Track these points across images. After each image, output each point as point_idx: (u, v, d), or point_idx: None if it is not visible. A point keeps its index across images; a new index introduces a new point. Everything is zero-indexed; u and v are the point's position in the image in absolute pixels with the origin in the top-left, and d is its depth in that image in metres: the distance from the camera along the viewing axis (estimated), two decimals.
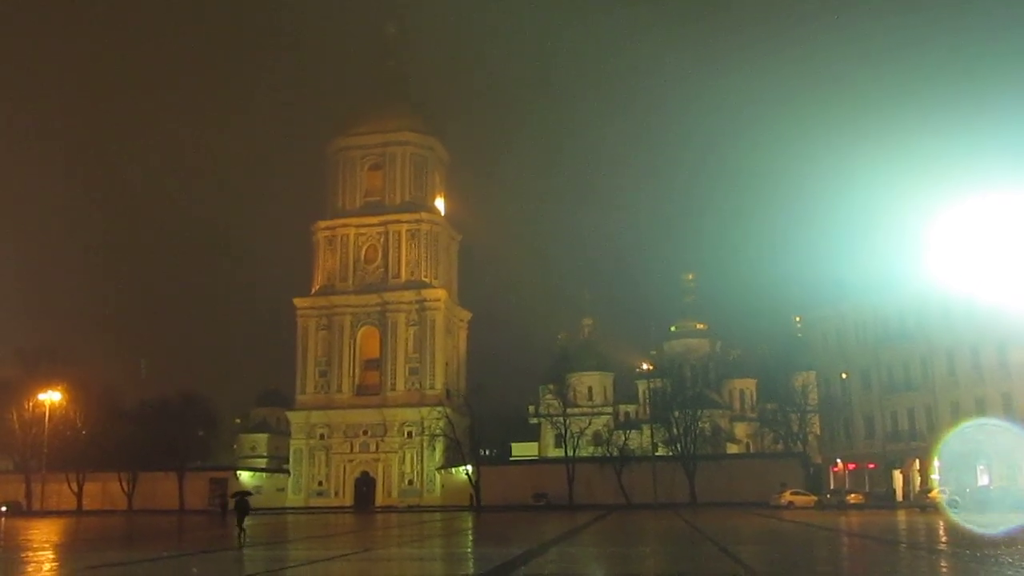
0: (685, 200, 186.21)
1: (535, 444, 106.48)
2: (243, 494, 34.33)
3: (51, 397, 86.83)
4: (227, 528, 36.73)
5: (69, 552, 28.86)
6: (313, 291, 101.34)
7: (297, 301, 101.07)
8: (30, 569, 21.66)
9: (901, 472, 72.23)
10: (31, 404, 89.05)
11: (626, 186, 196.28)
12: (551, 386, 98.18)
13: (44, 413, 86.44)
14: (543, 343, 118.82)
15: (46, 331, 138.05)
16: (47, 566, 22.73)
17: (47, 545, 32.66)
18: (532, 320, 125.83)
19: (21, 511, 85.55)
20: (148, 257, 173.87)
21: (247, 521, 31.07)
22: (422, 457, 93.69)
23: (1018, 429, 57.64)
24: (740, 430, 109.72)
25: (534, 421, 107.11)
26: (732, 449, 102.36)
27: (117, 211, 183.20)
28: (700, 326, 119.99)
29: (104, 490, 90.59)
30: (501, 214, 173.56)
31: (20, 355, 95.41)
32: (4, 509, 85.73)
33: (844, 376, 79.31)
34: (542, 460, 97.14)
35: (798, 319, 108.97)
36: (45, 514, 78.58)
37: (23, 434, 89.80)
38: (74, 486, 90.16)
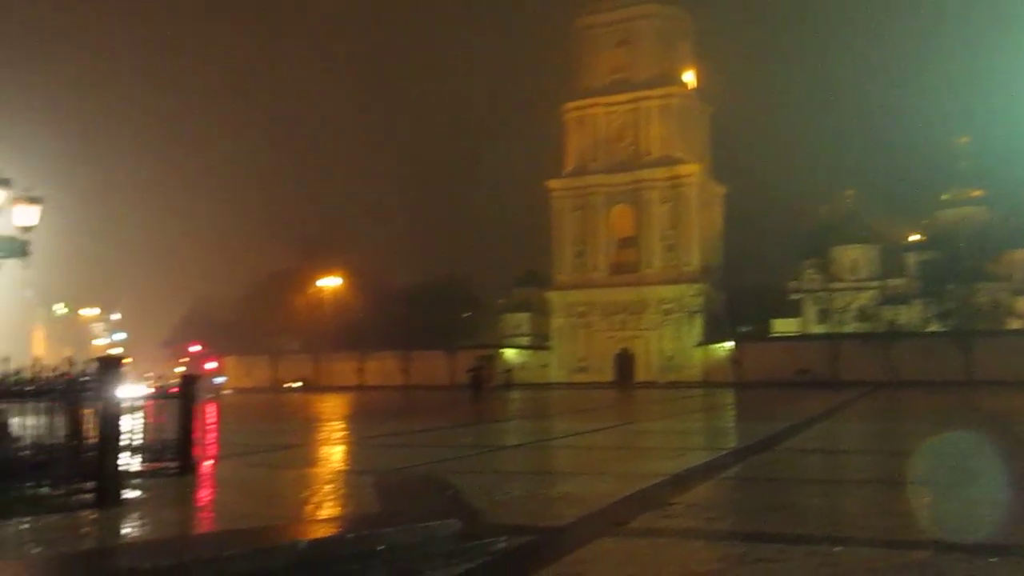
0: (958, 58, 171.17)
1: (796, 320, 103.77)
2: (477, 368, 38.34)
3: (330, 283, 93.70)
4: (484, 402, 38.64)
5: (355, 422, 31.40)
6: (565, 172, 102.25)
7: (550, 183, 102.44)
8: (322, 436, 23.80)
9: None
10: (313, 290, 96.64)
11: (892, 47, 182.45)
12: (812, 260, 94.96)
13: (325, 298, 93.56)
14: (803, 215, 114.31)
15: (324, 220, 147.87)
16: (337, 434, 24.89)
17: (336, 416, 35.72)
18: (790, 192, 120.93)
19: (312, 387, 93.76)
20: (411, 145, 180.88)
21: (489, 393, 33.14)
22: (680, 334, 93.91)
23: None
24: (1023, 304, 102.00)
25: (795, 297, 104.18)
26: (1013, 325, 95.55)
27: (383, 100, 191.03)
28: (976, 193, 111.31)
29: (382, 367, 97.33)
30: (755, 82, 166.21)
31: (302, 244, 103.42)
32: (299, 385, 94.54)
33: None
34: (804, 336, 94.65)
35: None
36: (332, 389, 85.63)
37: (308, 317, 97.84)
38: (356, 364, 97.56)
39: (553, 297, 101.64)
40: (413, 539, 7.40)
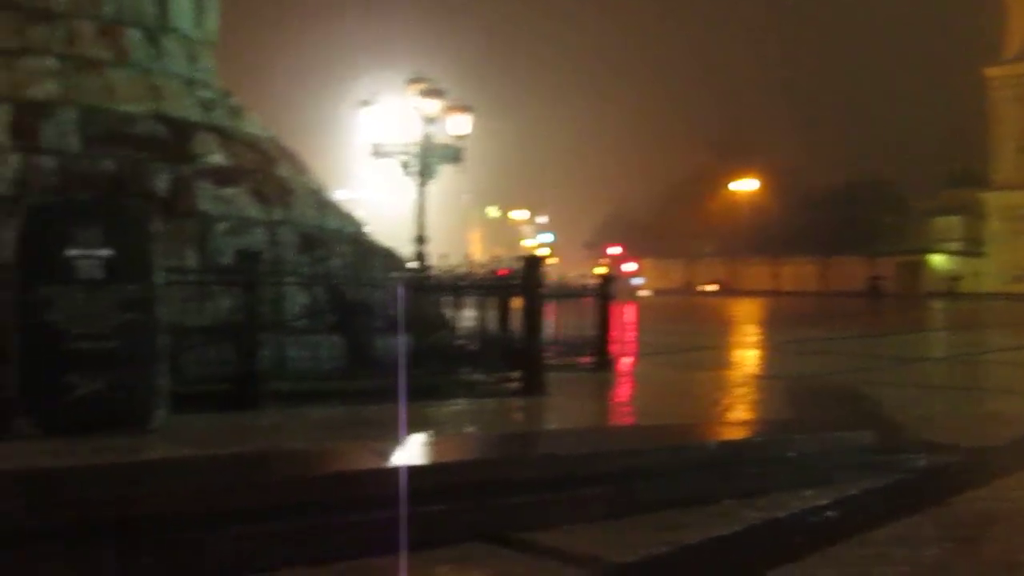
0: None
1: None
2: (876, 278, 38.52)
3: (745, 185, 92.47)
4: (879, 313, 36.49)
5: (767, 327, 31.13)
6: (1005, 58, 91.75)
7: (988, 71, 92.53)
8: (734, 340, 23.89)
9: None
10: (728, 192, 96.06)
11: None
12: None
13: (740, 201, 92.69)
14: None
15: (737, 120, 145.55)
16: (749, 338, 24.83)
17: (749, 320, 35.63)
18: None
19: (726, 290, 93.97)
20: (829, 36, 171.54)
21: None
22: None
23: None
24: None
25: None
26: None
27: None
28: None
29: (798, 272, 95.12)
30: None
31: (714, 145, 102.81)
32: (714, 288, 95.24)
33: None
34: None
35: None
36: (746, 293, 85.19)
37: (724, 220, 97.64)
38: (770, 268, 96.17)
39: (989, 198, 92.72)
40: (824, 448, 7.24)
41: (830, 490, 6.32)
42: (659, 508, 5.86)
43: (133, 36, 11.14)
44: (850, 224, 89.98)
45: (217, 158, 10.66)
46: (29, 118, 9.69)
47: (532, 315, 9.54)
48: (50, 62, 10.41)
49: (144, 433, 6.43)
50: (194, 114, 11.12)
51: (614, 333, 12.98)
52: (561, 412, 8.60)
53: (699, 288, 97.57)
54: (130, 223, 6.76)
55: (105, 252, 6.49)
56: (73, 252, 6.41)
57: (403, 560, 4.69)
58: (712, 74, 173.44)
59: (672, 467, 6.30)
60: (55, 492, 4.86)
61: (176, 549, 4.50)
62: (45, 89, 10.13)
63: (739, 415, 8.87)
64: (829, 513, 5.86)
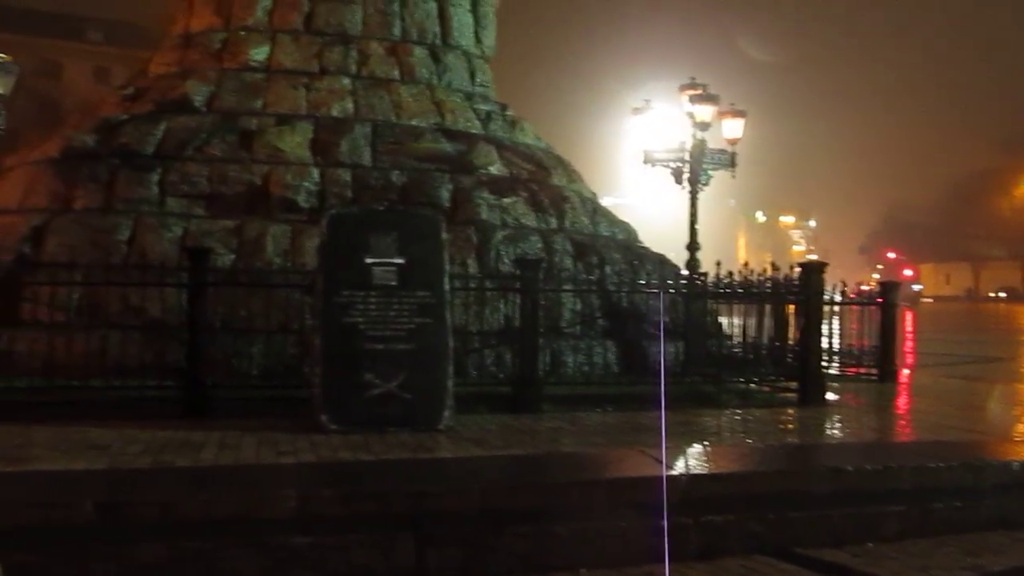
0: None
1: None
2: None
3: None
4: None
5: None
6: None
7: None
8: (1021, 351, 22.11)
9: None
10: (1020, 190, 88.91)
11: None
12: None
13: None
14: None
15: None
16: None
17: None
18: None
19: (1019, 297, 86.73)
20: None
21: None
22: None
23: None
24: None
25: None
26: None
27: None
28: None
29: None
30: None
31: (1003, 140, 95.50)
32: (1003, 294, 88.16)
33: None
34: None
35: None
36: None
37: (1015, 221, 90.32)
38: None
39: None
40: None
41: None
42: (957, 530, 5.51)
43: (418, 54, 11.79)
44: None
45: (495, 169, 11.06)
46: (328, 134, 10.47)
47: (809, 323, 9.22)
48: (345, 81, 11.21)
49: (433, 432, 6.75)
50: (474, 127, 11.60)
51: (897, 342, 12.31)
52: (843, 424, 8.24)
53: (987, 294, 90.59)
54: (422, 232, 7.13)
55: (399, 260, 6.88)
56: (370, 260, 6.84)
57: (684, 570, 4.67)
58: (999, 68, 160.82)
59: (972, 487, 5.89)
60: (359, 484, 5.20)
61: (466, 544, 4.71)
62: (342, 107, 10.91)
63: None
64: None
